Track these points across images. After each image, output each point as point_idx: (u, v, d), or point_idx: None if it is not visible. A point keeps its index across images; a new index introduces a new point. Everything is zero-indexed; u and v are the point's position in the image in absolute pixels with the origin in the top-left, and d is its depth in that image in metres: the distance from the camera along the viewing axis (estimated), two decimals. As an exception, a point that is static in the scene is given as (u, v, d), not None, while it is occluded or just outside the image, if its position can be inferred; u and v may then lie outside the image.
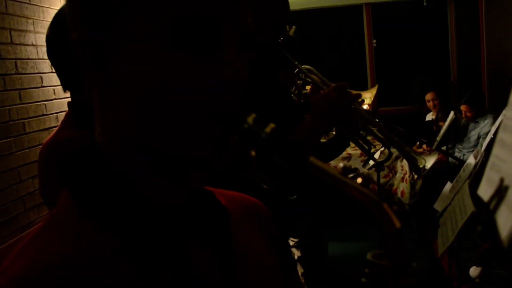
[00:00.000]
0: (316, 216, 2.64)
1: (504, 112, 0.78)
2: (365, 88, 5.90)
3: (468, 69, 5.93)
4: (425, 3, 5.77)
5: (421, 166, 1.73)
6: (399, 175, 4.71)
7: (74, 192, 0.62)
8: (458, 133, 4.83)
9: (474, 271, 2.91)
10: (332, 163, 4.67)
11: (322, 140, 2.19)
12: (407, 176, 4.55)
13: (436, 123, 4.97)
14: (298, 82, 2.00)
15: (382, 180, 4.59)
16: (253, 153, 0.60)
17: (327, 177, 0.58)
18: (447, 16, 6.23)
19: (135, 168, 0.62)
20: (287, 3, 1.76)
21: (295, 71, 1.92)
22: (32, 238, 0.59)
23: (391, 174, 4.75)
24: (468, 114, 4.76)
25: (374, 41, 6.34)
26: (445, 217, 1.54)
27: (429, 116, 5.31)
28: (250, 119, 0.59)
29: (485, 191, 0.73)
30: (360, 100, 2.94)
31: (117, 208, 0.61)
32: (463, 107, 4.74)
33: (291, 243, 2.81)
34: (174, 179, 0.64)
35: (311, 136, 1.68)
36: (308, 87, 2.54)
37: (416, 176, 1.58)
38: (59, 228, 0.60)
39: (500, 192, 0.68)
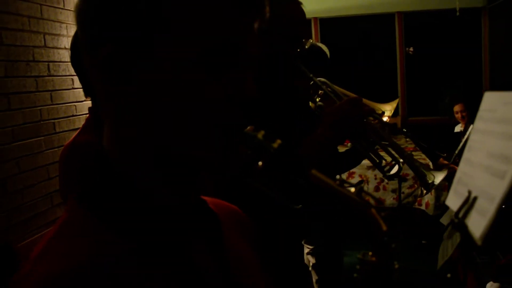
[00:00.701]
0: (330, 224, 2.66)
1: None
2: (395, 97, 5.88)
3: (501, 80, 5.83)
4: (457, 13, 5.70)
5: (430, 181, 1.75)
6: (423, 186, 4.66)
7: (82, 195, 0.67)
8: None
9: (491, 286, 2.88)
10: (358, 171, 4.66)
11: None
12: (432, 187, 4.51)
13: (463, 135, 4.91)
14: (320, 92, 2.02)
15: (407, 191, 4.56)
16: (260, 163, 0.70)
17: (326, 187, 0.69)
18: (480, 25, 6.14)
19: (144, 172, 0.68)
20: (304, 16, 1.80)
21: (310, 83, 1.96)
22: (48, 242, 0.63)
23: (416, 185, 4.71)
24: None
25: (411, 48, 6.30)
26: (448, 231, 1.55)
27: (458, 128, 5.24)
28: (260, 135, 0.68)
29: (453, 202, 0.83)
30: (380, 112, 2.95)
31: (125, 210, 0.66)
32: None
33: (306, 250, 2.84)
34: (179, 180, 0.70)
35: (323, 147, 1.71)
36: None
37: (425, 192, 1.60)
38: (72, 232, 0.64)
39: (468, 202, 0.78)
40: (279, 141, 0.69)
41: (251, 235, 0.90)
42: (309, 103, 2.12)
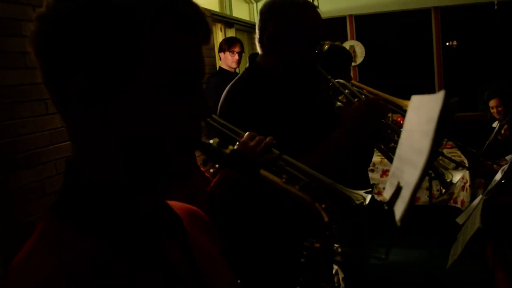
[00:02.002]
0: (354, 224, 2.67)
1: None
2: (433, 93, 5.76)
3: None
4: (495, 7, 5.58)
5: (448, 180, 1.75)
6: (459, 184, 4.57)
7: (55, 205, 0.73)
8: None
9: None
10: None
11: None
12: (467, 185, 4.44)
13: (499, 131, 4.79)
14: (346, 91, 2.04)
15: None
16: (217, 166, 0.82)
17: (274, 185, 0.82)
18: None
19: (111, 179, 0.73)
20: (319, 19, 1.83)
21: (330, 85, 1.98)
22: (27, 251, 0.68)
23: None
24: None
25: (455, 42, 6.20)
26: (462, 231, 1.56)
27: (495, 124, 5.12)
28: (214, 143, 0.78)
29: (388, 193, 0.96)
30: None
31: (94, 213, 0.71)
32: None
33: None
34: (147, 185, 0.77)
35: (340, 148, 1.74)
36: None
37: (444, 190, 1.59)
38: (47, 240, 0.69)
39: (397, 192, 0.89)
40: (231, 147, 0.79)
41: (212, 232, 0.97)
42: (333, 104, 2.14)
